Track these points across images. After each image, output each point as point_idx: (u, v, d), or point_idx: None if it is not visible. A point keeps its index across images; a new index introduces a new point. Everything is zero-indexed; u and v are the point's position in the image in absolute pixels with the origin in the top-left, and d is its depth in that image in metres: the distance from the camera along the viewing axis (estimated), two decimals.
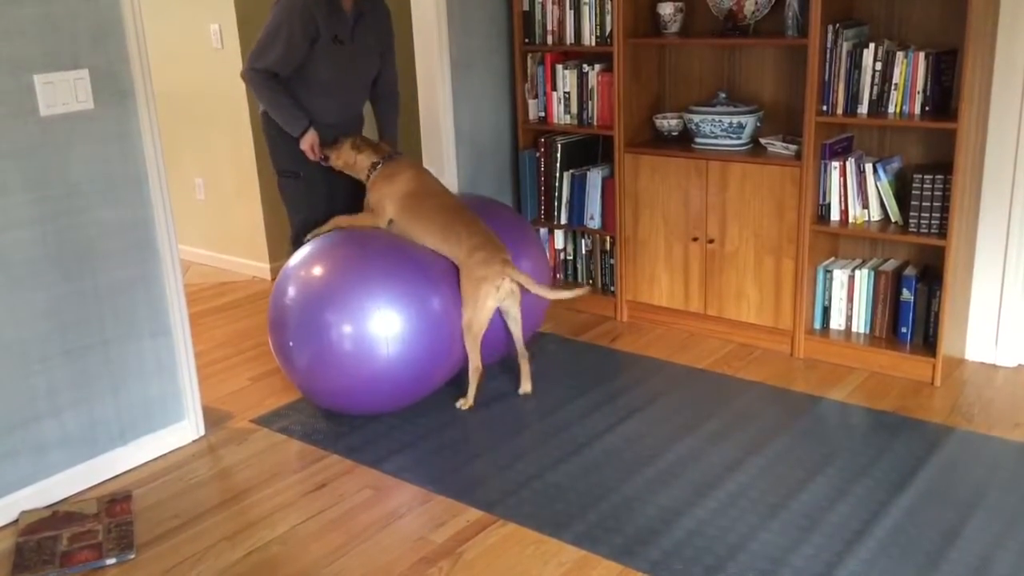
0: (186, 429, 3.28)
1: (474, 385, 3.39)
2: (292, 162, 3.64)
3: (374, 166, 3.50)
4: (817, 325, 3.77)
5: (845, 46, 3.44)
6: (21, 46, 2.69)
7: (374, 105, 3.84)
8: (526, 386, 3.52)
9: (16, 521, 2.81)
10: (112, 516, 2.81)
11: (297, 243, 3.71)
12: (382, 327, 3.10)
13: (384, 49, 3.72)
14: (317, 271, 3.21)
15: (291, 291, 3.22)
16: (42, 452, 2.90)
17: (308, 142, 3.56)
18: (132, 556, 2.63)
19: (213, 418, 3.42)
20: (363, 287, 3.12)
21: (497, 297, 3.28)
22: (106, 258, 2.97)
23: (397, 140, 3.84)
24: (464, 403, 3.41)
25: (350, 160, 3.54)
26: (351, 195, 3.75)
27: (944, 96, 3.39)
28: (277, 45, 3.41)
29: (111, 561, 2.61)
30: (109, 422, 3.05)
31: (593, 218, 4.27)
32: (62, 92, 2.79)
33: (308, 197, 3.68)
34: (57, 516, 2.82)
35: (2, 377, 2.77)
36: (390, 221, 3.44)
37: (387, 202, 3.43)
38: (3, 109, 2.67)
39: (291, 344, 3.20)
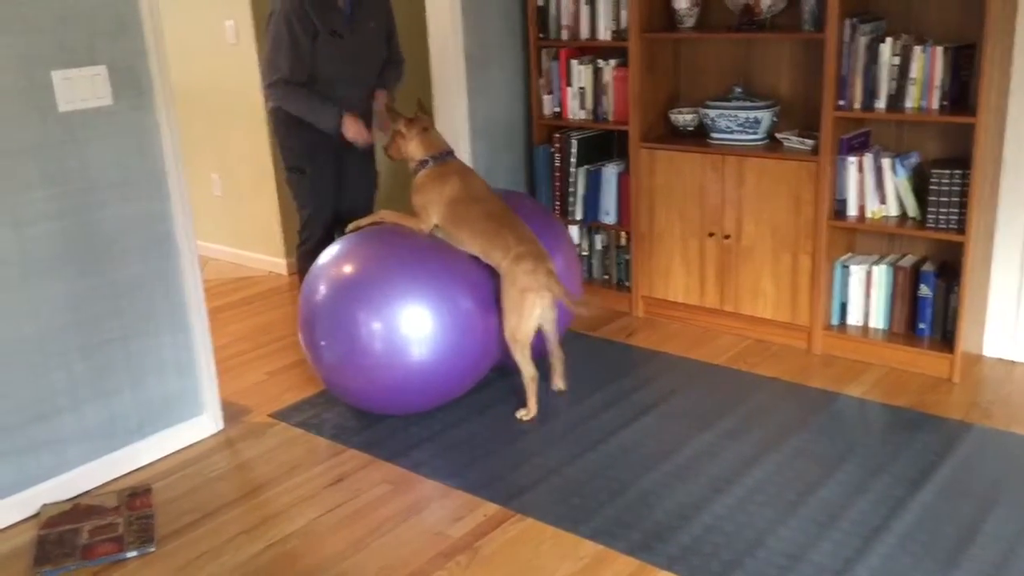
0: (205, 423, 3.30)
1: (532, 394, 3.30)
2: (299, 159, 3.67)
3: (422, 163, 3.40)
4: (834, 321, 3.75)
5: (862, 40, 3.42)
6: (39, 42, 2.70)
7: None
8: (559, 383, 3.49)
9: (38, 514, 2.84)
10: (132, 509, 2.83)
11: (304, 236, 3.76)
12: (414, 329, 3.08)
13: (389, 30, 3.74)
14: (348, 270, 3.18)
15: (322, 289, 3.19)
16: (62, 446, 2.92)
17: (352, 128, 3.54)
18: (152, 549, 2.65)
19: (231, 412, 3.43)
20: (395, 287, 3.09)
21: (541, 306, 3.20)
22: (125, 253, 2.98)
23: (394, 96, 3.81)
24: (525, 413, 3.31)
25: (401, 147, 3.44)
26: (359, 191, 3.77)
27: (962, 91, 3.37)
28: (284, 52, 3.44)
29: (132, 554, 2.63)
30: (128, 416, 3.07)
31: (608, 214, 4.26)
32: (80, 88, 2.81)
33: (314, 193, 3.71)
34: (78, 509, 2.84)
35: (23, 371, 2.79)
36: (435, 226, 3.36)
37: (432, 208, 3.33)
38: (22, 105, 2.69)
39: (322, 343, 3.19)
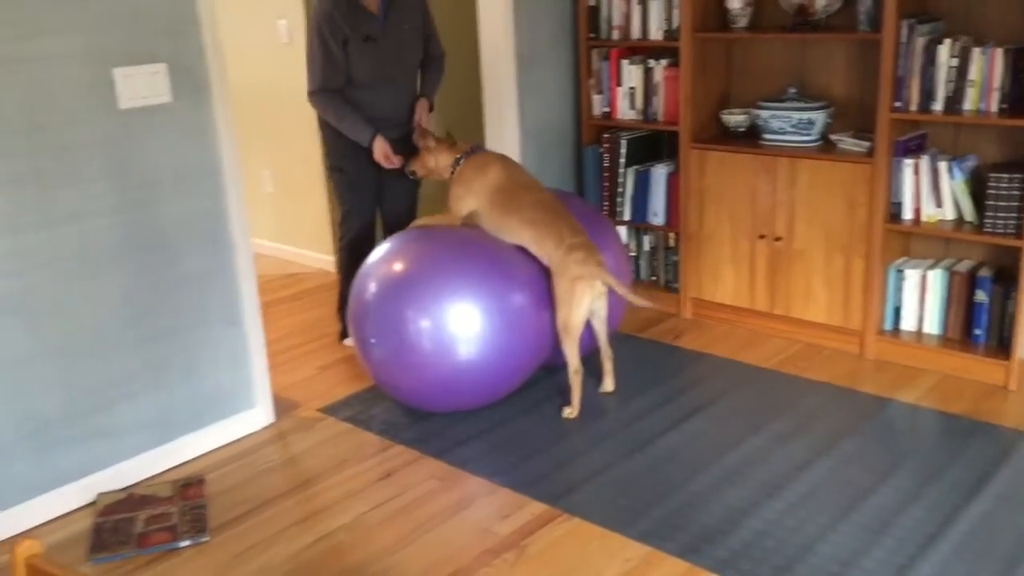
0: (256, 416, 3.34)
1: (577, 389, 3.30)
2: (337, 158, 3.77)
3: (456, 162, 3.46)
4: (887, 326, 3.70)
5: (920, 41, 3.37)
6: (101, 39, 2.76)
7: (420, 70, 3.86)
8: (608, 385, 3.48)
9: (94, 502, 2.89)
10: (186, 499, 2.88)
11: (342, 231, 3.86)
12: (464, 326, 3.09)
13: (425, 30, 3.77)
14: (399, 267, 3.20)
15: (373, 287, 3.22)
16: (119, 436, 2.97)
17: (379, 152, 3.63)
18: (206, 539, 2.70)
19: (282, 406, 3.48)
20: (445, 286, 3.11)
21: (592, 296, 3.21)
22: (181, 248, 3.03)
23: (434, 99, 3.87)
24: (570, 412, 3.31)
25: (430, 165, 3.54)
26: (401, 191, 3.82)
27: (1022, 93, 3.31)
28: (318, 61, 3.54)
29: (185, 543, 2.67)
30: (183, 408, 3.12)
31: (657, 215, 4.24)
32: (140, 85, 2.86)
33: (351, 191, 3.79)
34: (133, 498, 2.90)
35: (83, 362, 2.85)
36: (471, 215, 3.38)
37: (471, 197, 3.36)
38: (84, 102, 2.75)
39: (372, 341, 3.22)
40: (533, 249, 3.26)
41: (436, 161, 3.52)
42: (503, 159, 3.48)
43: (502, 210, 3.31)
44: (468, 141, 3.60)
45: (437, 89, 3.90)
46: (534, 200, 3.31)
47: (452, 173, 3.47)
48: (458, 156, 3.47)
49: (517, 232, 3.28)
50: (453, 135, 3.60)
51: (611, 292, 3.31)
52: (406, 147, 3.74)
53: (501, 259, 3.26)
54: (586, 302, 3.20)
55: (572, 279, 3.17)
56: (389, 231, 3.86)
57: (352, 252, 3.81)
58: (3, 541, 2.72)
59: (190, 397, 3.14)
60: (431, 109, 3.85)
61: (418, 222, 3.52)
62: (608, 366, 3.47)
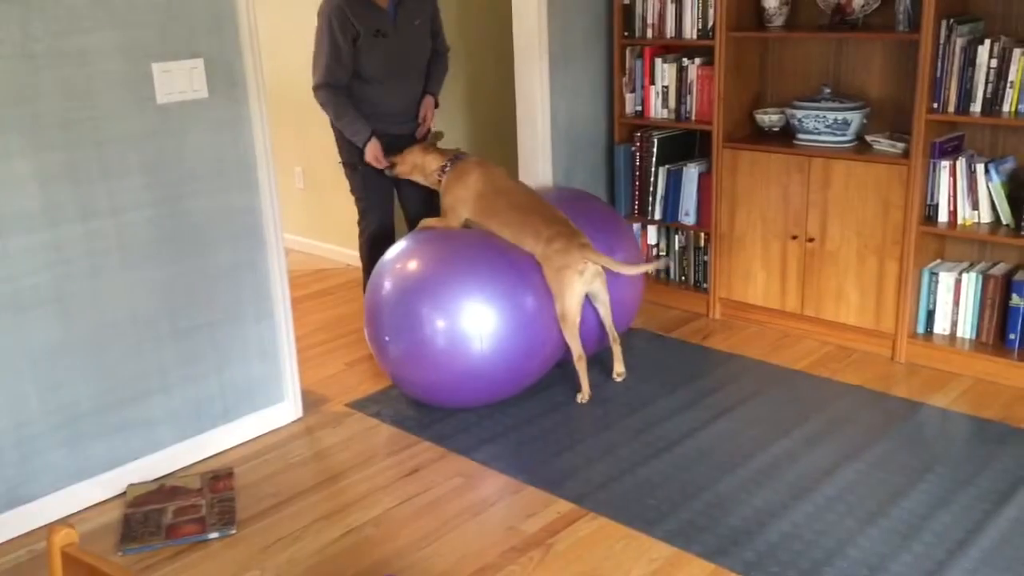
0: (285, 410, 3.37)
1: (583, 375, 3.39)
2: (350, 155, 3.79)
3: (442, 170, 3.55)
4: (920, 329, 3.65)
5: (959, 42, 3.32)
6: (140, 35, 2.79)
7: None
8: (619, 367, 3.52)
9: (124, 493, 2.93)
10: (215, 491, 2.90)
11: (361, 227, 3.91)
12: (476, 323, 3.12)
13: (433, 26, 3.79)
14: (413, 266, 3.25)
15: (387, 285, 3.26)
16: (150, 427, 3.01)
17: (371, 152, 3.68)
18: (234, 531, 2.72)
19: (310, 401, 3.50)
20: (458, 283, 3.14)
21: (583, 282, 3.26)
22: (215, 242, 3.06)
23: (438, 95, 3.90)
24: (582, 396, 3.41)
25: (418, 162, 3.61)
26: (412, 188, 3.84)
27: None
28: (323, 56, 3.55)
29: (214, 535, 2.70)
30: (213, 400, 3.15)
31: (688, 214, 4.22)
32: (178, 80, 2.89)
33: (366, 188, 3.82)
34: (163, 490, 2.93)
35: (117, 354, 2.89)
36: (466, 222, 3.48)
37: (460, 205, 3.46)
38: (123, 96, 2.78)
39: (386, 339, 3.25)
40: (520, 247, 3.32)
41: (424, 162, 3.59)
42: (481, 165, 3.53)
43: (483, 216, 3.42)
44: (452, 149, 3.67)
45: (442, 85, 3.93)
46: (509, 202, 3.40)
47: (439, 181, 3.56)
48: (443, 164, 3.55)
49: (500, 235, 3.36)
50: (440, 137, 3.70)
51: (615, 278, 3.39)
52: (412, 143, 3.76)
53: (513, 256, 3.29)
54: (577, 289, 3.26)
55: (557, 269, 3.24)
56: (411, 228, 3.88)
57: (371, 249, 3.84)
58: (35, 530, 2.76)
59: (221, 390, 3.17)
60: (436, 105, 3.88)
61: (424, 223, 3.56)
62: (617, 351, 3.51)
